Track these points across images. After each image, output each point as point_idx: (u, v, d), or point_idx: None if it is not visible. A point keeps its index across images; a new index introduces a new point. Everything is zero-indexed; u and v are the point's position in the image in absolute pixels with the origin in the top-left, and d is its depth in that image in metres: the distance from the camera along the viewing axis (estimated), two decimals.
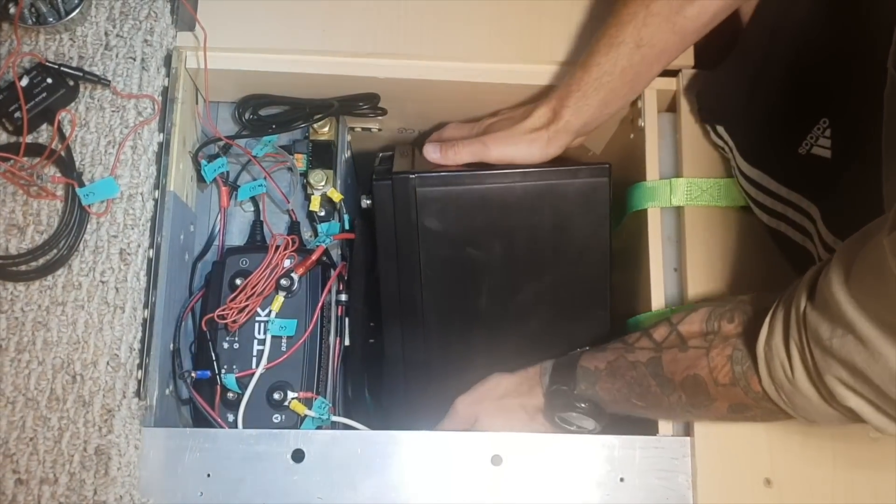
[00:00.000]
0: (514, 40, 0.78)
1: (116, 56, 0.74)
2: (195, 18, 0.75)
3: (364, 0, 0.77)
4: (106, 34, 0.74)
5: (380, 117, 0.83)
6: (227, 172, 0.80)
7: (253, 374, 0.71)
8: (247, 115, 0.80)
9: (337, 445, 0.67)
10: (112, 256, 0.69)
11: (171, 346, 0.73)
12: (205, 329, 0.73)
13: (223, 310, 0.72)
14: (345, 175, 0.85)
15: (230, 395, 0.71)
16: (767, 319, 0.56)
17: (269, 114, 0.82)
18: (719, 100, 0.75)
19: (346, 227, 0.81)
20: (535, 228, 0.73)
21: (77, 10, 0.73)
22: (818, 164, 0.66)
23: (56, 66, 0.71)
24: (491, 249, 0.73)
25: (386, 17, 0.77)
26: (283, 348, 0.73)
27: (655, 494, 0.67)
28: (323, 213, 0.81)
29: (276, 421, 0.71)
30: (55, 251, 0.68)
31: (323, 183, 0.80)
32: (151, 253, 0.70)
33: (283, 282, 0.73)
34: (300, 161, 0.81)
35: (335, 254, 0.81)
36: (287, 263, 0.74)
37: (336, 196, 0.80)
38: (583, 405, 0.68)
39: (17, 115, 0.69)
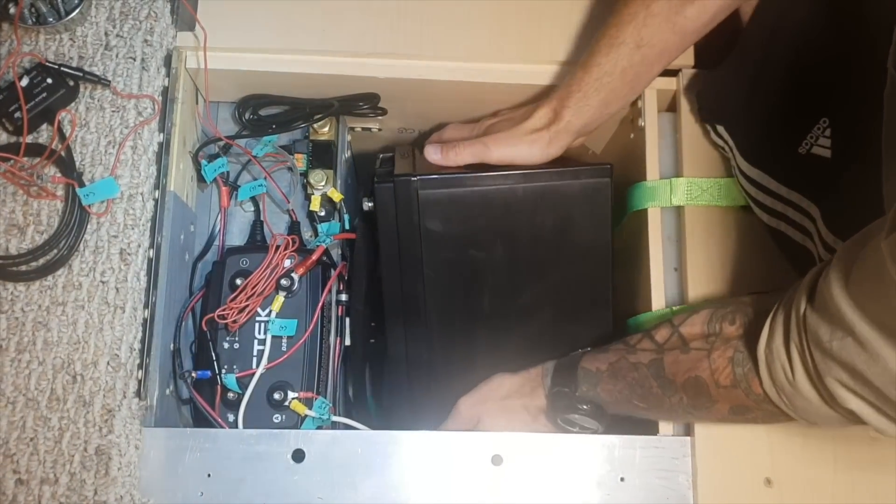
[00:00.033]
0: (514, 40, 0.78)
1: (116, 56, 0.74)
2: (195, 18, 0.75)
3: (364, 0, 0.77)
4: (106, 34, 0.74)
5: (380, 117, 0.83)
6: (228, 172, 0.80)
7: (253, 374, 0.71)
8: (247, 115, 0.80)
9: (337, 445, 0.67)
10: (112, 256, 0.69)
11: (172, 346, 0.73)
12: (205, 329, 0.73)
13: (223, 310, 0.72)
14: (345, 175, 0.85)
15: (230, 395, 0.71)
16: (768, 321, 0.56)
17: (269, 114, 0.82)
18: (719, 99, 0.75)
19: (347, 226, 0.81)
20: (537, 229, 0.73)
21: (77, 11, 0.73)
22: (818, 164, 0.66)
23: (56, 67, 0.71)
24: (493, 250, 0.74)
25: (386, 17, 0.77)
26: (284, 348, 0.73)
27: (656, 494, 0.67)
28: (323, 213, 0.81)
29: (276, 421, 0.71)
30: (55, 251, 0.68)
31: (323, 183, 0.80)
32: (152, 253, 0.70)
33: (284, 282, 0.73)
34: (300, 161, 0.81)
35: (335, 254, 0.81)
36: (287, 263, 0.74)
37: (336, 196, 0.80)
38: (585, 407, 0.68)
39: (17, 115, 0.69)
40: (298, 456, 0.66)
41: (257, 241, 0.79)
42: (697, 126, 0.77)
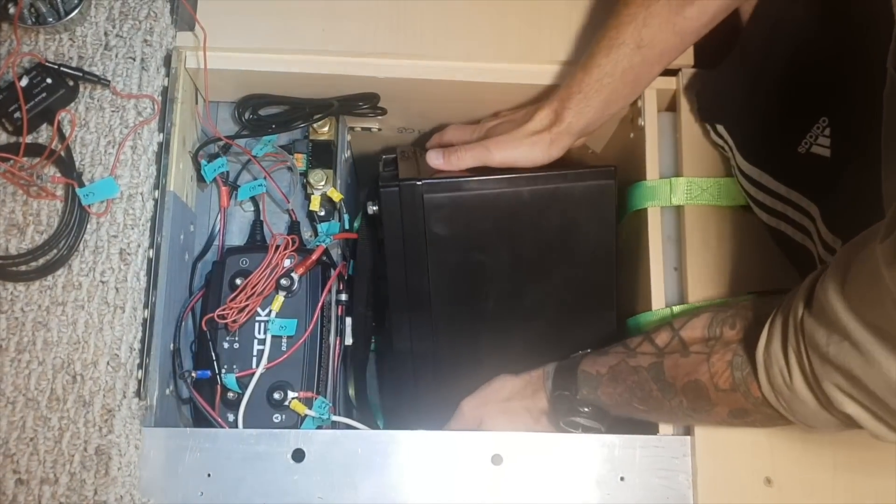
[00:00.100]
0: (514, 40, 0.78)
1: (116, 56, 0.74)
2: (195, 18, 0.75)
3: (364, 0, 0.77)
4: (106, 34, 0.74)
5: (380, 117, 0.83)
6: (227, 172, 0.80)
7: (253, 373, 0.71)
8: (247, 115, 0.80)
9: (337, 445, 0.67)
10: (112, 256, 0.69)
11: (172, 346, 0.73)
12: (205, 329, 0.73)
13: (223, 310, 0.72)
14: (345, 175, 0.85)
15: (230, 394, 0.71)
16: (766, 325, 0.56)
17: (268, 114, 0.81)
18: (719, 99, 0.75)
19: (346, 226, 0.81)
20: (542, 231, 0.73)
21: (77, 11, 0.73)
22: (817, 163, 0.66)
23: (56, 67, 0.71)
24: (498, 253, 0.74)
25: (386, 17, 0.77)
26: (284, 348, 0.73)
27: (656, 494, 0.67)
28: (323, 213, 0.81)
29: (276, 421, 0.71)
30: (55, 251, 0.68)
31: (323, 183, 0.80)
32: (151, 253, 0.70)
33: (283, 281, 0.73)
34: (300, 161, 0.81)
35: (335, 253, 0.81)
36: (287, 263, 0.74)
37: (336, 196, 0.80)
38: (586, 409, 0.68)
39: (16, 115, 0.69)
40: (298, 456, 0.66)
41: (257, 241, 0.79)
42: (697, 125, 0.77)
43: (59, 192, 0.70)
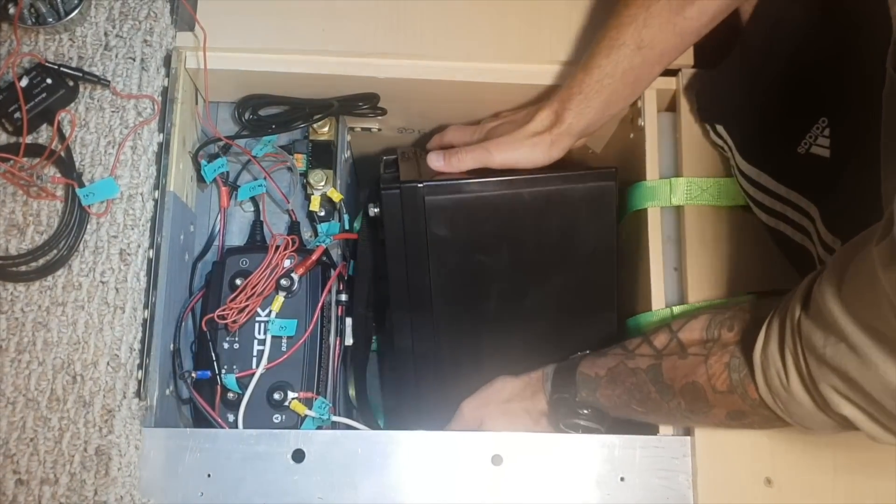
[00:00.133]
0: (514, 40, 0.78)
1: (116, 56, 0.74)
2: (195, 18, 0.75)
3: (364, 0, 0.77)
4: (105, 34, 0.74)
5: (380, 117, 0.83)
6: (227, 172, 0.80)
7: (253, 374, 0.71)
8: (247, 115, 0.80)
9: (337, 445, 0.67)
10: (112, 257, 0.69)
11: (172, 346, 0.73)
12: (205, 329, 0.73)
13: (223, 310, 0.72)
14: (344, 175, 0.85)
15: (230, 395, 0.71)
16: (764, 327, 0.56)
17: (268, 114, 0.81)
18: (719, 99, 0.75)
19: (346, 226, 0.81)
20: (543, 233, 0.73)
21: (77, 11, 0.73)
22: (817, 164, 0.67)
23: (56, 67, 0.71)
24: (500, 255, 0.74)
25: (386, 17, 0.77)
26: (284, 348, 0.73)
27: (656, 494, 0.67)
28: (323, 213, 0.81)
29: (276, 421, 0.71)
30: (55, 251, 0.68)
31: (323, 183, 0.80)
32: (151, 253, 0.70)
33: (283, 282, 0.73)
34: (300, 161, 0.81)
35: (335, 254, 0.81)
36: (287, 263, 0.74)
37: (336, 196, 0.80)
38: (585, 411, 0.68)
39: (16, 115, 0.69)
40: (298, 456, 0.66)
41: (257, 242, 0.79)
42: (697, 126, 0.77)
43: (59, 193, 0.70)
